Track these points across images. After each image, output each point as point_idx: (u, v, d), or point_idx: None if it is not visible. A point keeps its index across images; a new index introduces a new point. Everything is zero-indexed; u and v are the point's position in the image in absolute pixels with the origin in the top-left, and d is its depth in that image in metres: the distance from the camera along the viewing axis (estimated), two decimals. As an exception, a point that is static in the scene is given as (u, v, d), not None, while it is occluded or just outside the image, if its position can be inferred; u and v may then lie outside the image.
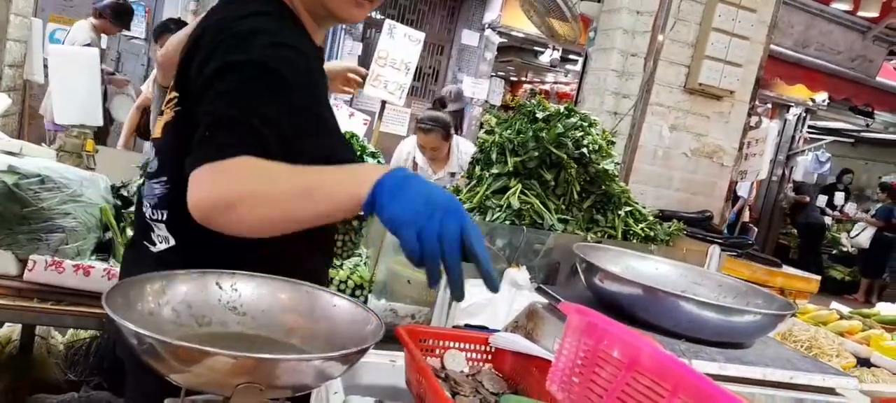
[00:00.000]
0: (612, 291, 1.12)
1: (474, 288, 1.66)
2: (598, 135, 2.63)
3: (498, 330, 1.27)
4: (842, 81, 7.46)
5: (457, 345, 1.14)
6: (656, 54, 3.63)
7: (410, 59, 3.58)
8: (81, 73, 2.15)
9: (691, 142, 3.85)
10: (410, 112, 4.17)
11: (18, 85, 3.61)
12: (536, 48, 9.78)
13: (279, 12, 1.14)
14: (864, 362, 2.54)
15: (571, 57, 9.59)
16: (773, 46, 4.77)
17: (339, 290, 1.61)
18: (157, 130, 1.19)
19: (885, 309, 3.57)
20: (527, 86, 12.85)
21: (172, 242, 1.17)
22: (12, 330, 2.48)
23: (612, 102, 3.84)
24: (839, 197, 11.28)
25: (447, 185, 3.29)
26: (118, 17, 5.03)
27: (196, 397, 0.99)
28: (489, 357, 1.16)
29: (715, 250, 2.64)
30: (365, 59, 6.28)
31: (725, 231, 4.38)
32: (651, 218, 2.76)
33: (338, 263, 1.98)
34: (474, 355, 1.15)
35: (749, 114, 3.99)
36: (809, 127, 10.58)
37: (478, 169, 2.60)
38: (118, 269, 1.70)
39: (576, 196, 2.52)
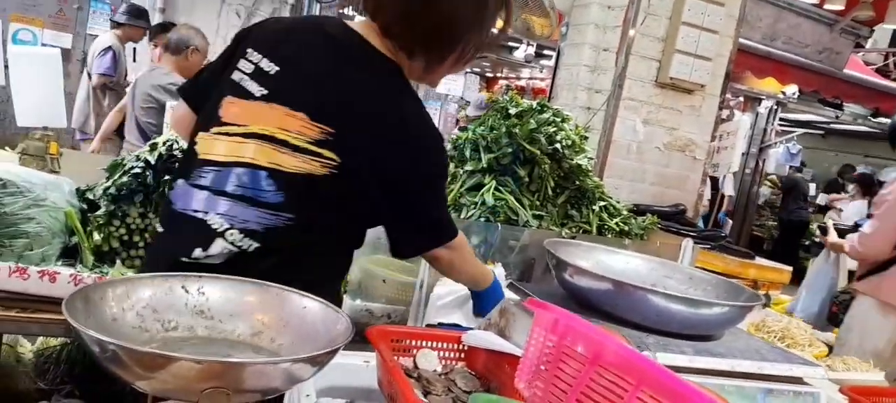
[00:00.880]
0: (582, 286, 1.12)
1: (450, 285, 1.66)
2: (571, 130, 2.64)
3: (471, 329, 1.27)
4: (811, 74, 7.58)
5: (429, 345, 1.14)
6: (628, 49, 3.65)
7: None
8: (43, 74, 2.10)
9: (664, 136, 3.89)
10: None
11: (-20, 88, 3.52)
12: (511, 44, 9.80)
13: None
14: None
15: (546, 52, 9.62)
16: (742, 40, 4.83)
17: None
18: (288, 164, 1.22)
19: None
20: (502, 82, 12.88)
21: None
22: (-22, 339, 2.42)
23: (585, 97, 3.86)
24: (812, 187, 11.44)
25: None
26: (138, 18, 5.02)
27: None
28: (462, 355, 1.16)
29: (688, 243, 2.67)
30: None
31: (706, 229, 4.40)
32: (625, 212, 2.78)
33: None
34: (447, 354, 1.15)
35: (720, 108, 4.03)
36: (780, 119, 10.74)
37: (452, 166, 2.60)
38: (85, 274, 1.67)
39: (550, 192, 2.53)
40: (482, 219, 2.33)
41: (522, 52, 9.92)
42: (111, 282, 0.97)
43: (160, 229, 1.37)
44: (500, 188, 2.44)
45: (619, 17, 3.74)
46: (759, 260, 4.09)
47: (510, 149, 2.47)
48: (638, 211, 3.24)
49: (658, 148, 3.88)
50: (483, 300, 1.51)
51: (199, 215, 1.21)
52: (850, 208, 8.86)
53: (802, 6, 6.50)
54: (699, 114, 3.94)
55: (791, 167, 11.53)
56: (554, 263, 1.18)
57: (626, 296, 1.05)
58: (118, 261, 1.86)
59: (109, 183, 1.91)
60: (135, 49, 5.52)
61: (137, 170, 1.89)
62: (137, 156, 1.95)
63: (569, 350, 0.71)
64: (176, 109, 1.51)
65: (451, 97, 8.34)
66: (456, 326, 1.40)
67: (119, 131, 4.03)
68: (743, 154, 7.97)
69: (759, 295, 1.18)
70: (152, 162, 1.91)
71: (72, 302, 0.87)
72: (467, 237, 2.29)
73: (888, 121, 11.10)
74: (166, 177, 1.89)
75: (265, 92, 1.24)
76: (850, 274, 3.78)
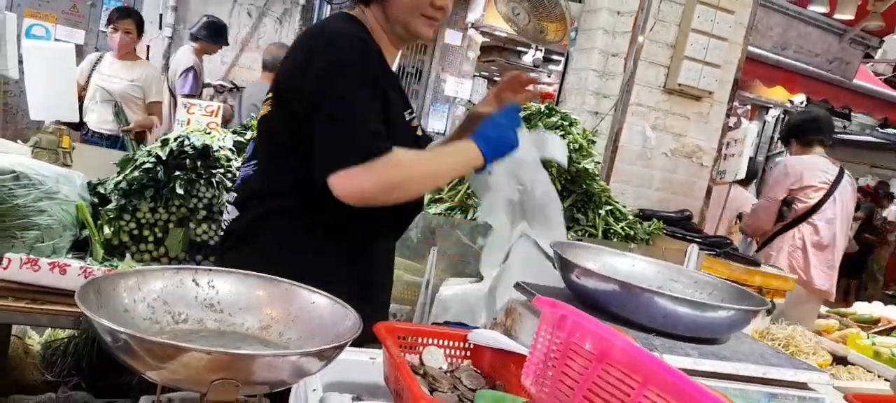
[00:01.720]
0: (589, 287, 1.13)
1: (456, 286, 1.67)
2: (578, 134, 2.65)
3: (477, 328, 1.27)
4: (820, 83, 7.56)
5: (435, 342, 1.15)
6: (636, 54, 3.66)
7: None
8: (56, 69, 2.12)
9: (671, 142, 3.88)
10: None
11: (-8, 81, 3.55)
12: (519, 48, 9.81)
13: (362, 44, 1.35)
14: (840, 360, 2.58)
15: (554, 57, 9.63)
16: (752, 48, 4.83)
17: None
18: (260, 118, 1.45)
19: (861, 308, 3.63)
20: (510, 86, 12.86)
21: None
22: (-13, 330, 2.44)
23: (593, 102, 3.87)
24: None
25: None
26: (214, 34, 5.14)
27: (172, 394, 0.98)
28: (468, 353, 1.16)
29: (693, 249, 2.68)
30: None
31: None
32: (631, 217, 2.79)
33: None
34: (453, 352, 1.16)
35: (728, 115, 4.03)
36: (788, 128, 10.71)
37: (459, 167, 2.61)
38: (95, 267, 1.69)
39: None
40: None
41: (530, 56, 9.92)
42: (123, 274, 0.98)
43: None
44: (507, 190, 2.45)
45: (628, 22, 3.75)
46: (765, 268, 4.07)
47: (518, 152, 2.48)
48: (644, 216, 3.25)
49: (665, 154, 3.88)
50: (487, 130, 1.39)
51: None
52: None
53: (812, 15, 6.49)
54: (707, 120, 3.94)
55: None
56: (561, 264, 1.18)
57: (633, 298, 1.06)
58: (127, 255, 1.88)
59: (120, 177, 1.93)
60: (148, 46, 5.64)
61: (148, 166, 1.91)
62: (149, 151, 1.97)
63: (576, 347, 0.71)
64: None
65: (459, 100, 8.35)
66: (462, 325, 1.41)
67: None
68: (751, 158, 7.93)
69: (764, 300, 1.19)
70: (163, 157, 1.93)
71: (85, 293, 0.88)
72: (473, 239, 2.30)
73: (896, 131, 11.01)
74: (177, 173, 1.91)
75: None
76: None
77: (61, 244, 1.73)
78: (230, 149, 2.09)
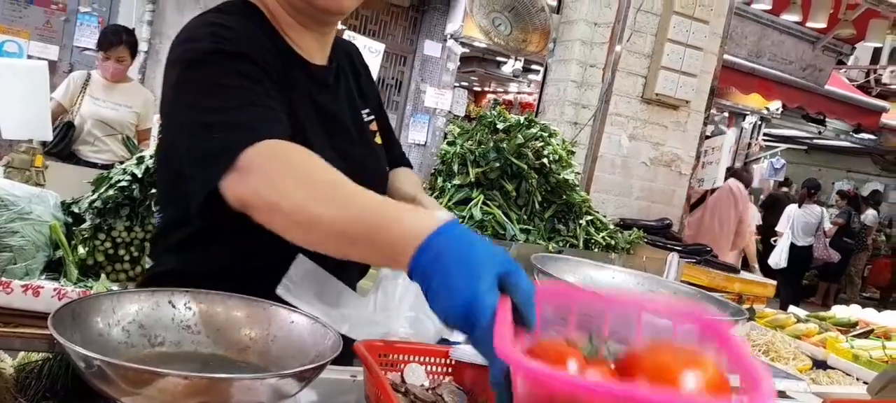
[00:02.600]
0: (570, 301, 1.13)
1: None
2: (558, 145, 2.67)
3: (458, 343, 1.27)
4: (794, 90, 7.71)
5: (417, 359, 1.14)
6: (614, 65, 3.70)
7: (371, 71, 3.58)
8: (29, 87, 2.08)
9: (650, 151, 3.93)
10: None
11: (-36, 99, 3.49)
12: (499, 58, 9.87)
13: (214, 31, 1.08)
14: (820, 364, 2.60)
15: (534, 67, 9.70)
16: (728, 56, 4.91)
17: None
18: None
19: (840, 311, 3.68)
20: (490, 97, 12.95)
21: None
22: (-42, 354, 2.39)
23: (571, 112, 3.90)
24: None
25: None
26: None
27: (149, 420, 0.96)
28: (450, 370, 1.16)
29: (674, 257, 2.69)
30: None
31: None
32: (612, 226, 2.80)
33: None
34: (435, 368, 1.15)
35: (705, 123, 4.09)
36: (765, 134, 10.89)
37: (440, 180, 2.61)
38: (69, 289, 1.66)
39: (537, 206, 2.55)
40: (470, 234, 2.34)
41: (510, 66, 10.00)
42: (97, 297, 0.96)
43: None
44: (488, 202, 2.46)
45: (605, 34, 3.79)
46: (744, 275, 4.12)
47: (498, 164, 2.49)
48: (624, 225, 3.27)
49: (644, 163, 3.92)
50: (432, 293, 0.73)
51: None
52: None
53: (786, 24, 6.61)
54: (685, 129, 3.99)
55: (775, 182, 11.66)
56: (541, 278, 1.19)
57: (612, 311, 1.06)
58: (103, 275, 1.85)
59: (95, 196, 1.90)
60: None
61: (124, 184, 1.88)
62: (124, 169, 1.94)
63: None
64: None
65: (440, 111, 8.37)
66: (444, 341, 1.40)
67: None
68: (727, 168, 8.06)
69: (743, 310, 1.20)
70: (139, 175, 1.90)
71: (58, 317, 0.86)
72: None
73: (870, 137, 11.24)
74: (153, 191, 1.89)
75: None
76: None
77: (34, 265, 1.70)
78: (208, 166, 2.06)
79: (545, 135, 2.62)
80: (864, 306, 3.72)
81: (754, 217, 5.94)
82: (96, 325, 0.94)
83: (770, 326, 3.07)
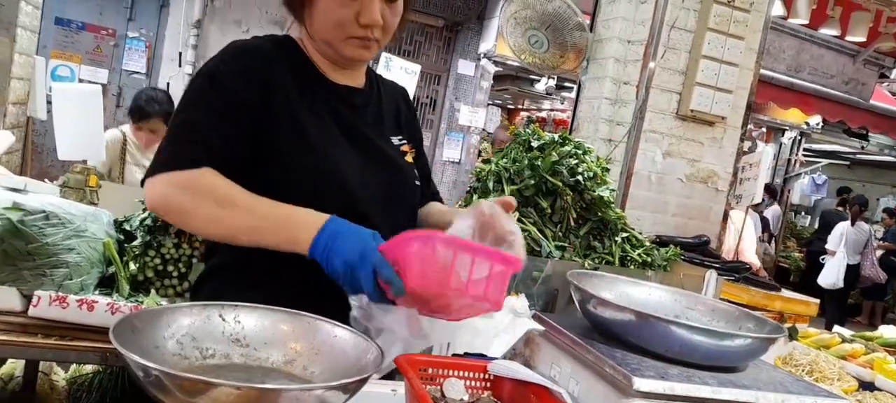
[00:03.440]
0: (606, 318, 1.14)
1: (476, 319, 1.68)
2: (592, 162, 2.67)
3: (497, 358, 1.29)
4: (835, 104, 7.55)
5: (456, 374, 1.16)
6: (648, 82, 3.69)
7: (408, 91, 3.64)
8: (84, 110, 2.18)
9: (686, 167, 3.89)
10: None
11: (22, 122, 3.66)
12: (532, 76, 9.90)
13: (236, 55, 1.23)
14: (867, 386, 2.54)
15: (567, 84, 9.70)
16: (766, 71, 4.85)
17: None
18: None
19: (888, 332, 3.57)
20: (523, 114, 12.96)
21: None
22: (15, 366, 2.48)
23: (606, 130, 3.90)
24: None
25: None
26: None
27: (199, 429, 1.00)
28: (488, 384, 1.18)
29: (712, 274, 2.67)
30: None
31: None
32: (648, 243, 2.79)
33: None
34: (473, 383, 1.17)
35: (742, 139, 4.04)
36: (805, 150, 10.66)
37: (475, 197, 2.64)
38: (121, 303, 1.73)
39: (572, 223, 2.56)
40: (505, 251, 2.36)
41: (543, 84, 10.01)
42: (154, 311, 1.01)
43: None
44: (523, 219, 2.48)
45: (638, 51, 3.79)
46: (786, 293, 4.04)
47: (533, 181, 2.51)
48: (661, 242, 3.25)
49: (680, 179, 3.89)
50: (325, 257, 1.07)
51: None
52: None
53: (824, 38, 6.50)
54: (721, 145, 3.95)
55: (817, 198, 11.37)
56: (577, 295, 1.20)
57: (649, 327, 1.07)
58: (152, 290, 1.92)
59: (145, 214, 1.98)
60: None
61: (172, 203, 1.95)
62: (172, 188, 2.01)
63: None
64: None
65: (474, 129, 8.42)
66: (481, 356, 1.42)
67: None
68: (766, 184, 7.91)
69: (782, 328, 1.19)
70: (186, 194, 1.97)
71: (118, 330, 0.91)
72: (490, 268, 2.31)
73: (916, 151, 10.83)
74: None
75: None
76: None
77: (89, 281, 1.77)
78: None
79: (579, 152, 2.63)
80: (912, 326, 3.60)
81: (753, 227, 5.68)
82: (153, 337, 0.99)
83: (814, 346, 3.00)
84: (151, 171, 1.15)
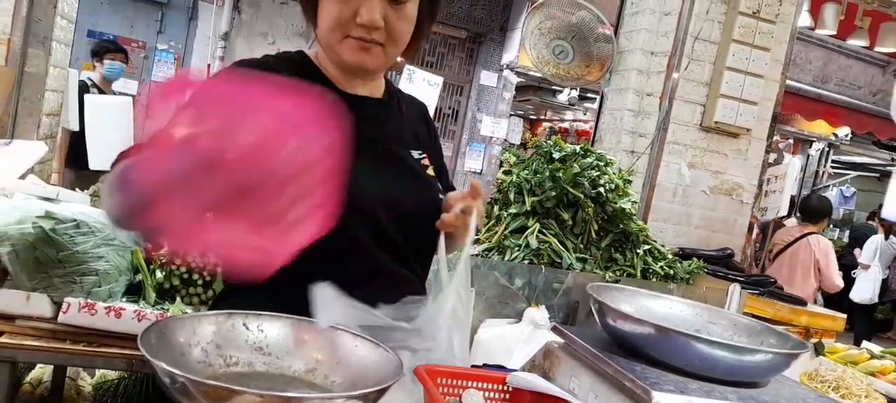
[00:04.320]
0: (626, 331, 1.14)
1: (495, 327, 1.68)
2: (614, 174, 2.67)
3: (515, 370, 1.29)
4: (864, 116, 7.42)
5: (475, 385, 1.17)
6: (671, 93, 3.67)
7: (429, 103, 3.67)
8: (115, 121, 2.24)
9: (710, 179, 3.86)
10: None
11: (55, 132, 3.75)
12: (554, 87, 9.88)
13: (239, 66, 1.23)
14: (896, 403, 2.48)
15: (590, 94, 9.67)
16: (792, 82, 4.80)
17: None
18: None
19: (918, 348, 3.49)
20: (546, 125, 12.93)
21: None
22: (43, 371, 2.55)
23: (628, 141, 3.88)
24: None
25: None
26: None
27: (222, 435, 1.02)
28: (507, 396, 1.18)
29: (735, 288, 2.64)
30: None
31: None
32: (670, 256, 2.77)
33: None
34: (492, 395, 1.18)
35: (767, 151, 3.99)
36: (833, 162, 10.48)
37: (496, 208, 2.64)
38: (148, 311, 1.76)
39: (594, 235, 2.55)
40: (526, 262, 2.36)
41: (566, 95, 9.99)
42: (180, 319, 1.04)
43: None
44: (544, 231, 2.48)
45: (662, 62, 3.78)
46: (812, 307, 3.97)
47: (554, 193, 2.51)
48: (684, 255, 3.22)
49: (704, 191, 3.85)
50: None
51: None
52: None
53: (853, 48, 6.41)
54: (746, 157, 3.91)
55: (846, 210, 11.16)
56: (597, 307, 1.20)
57: (668, 341, 1.07)
58: (178, 298, 1.96)
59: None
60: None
61: (198, 212, 1.99)
62: (198, 198, 2.05)
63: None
64: None
65: (495, 139, 8.43)
66: (500, 367, 1.43)
67: None
68: (792, 196, 7.78)
69: (805, 343, 1.18)
70: (212, 204, 2.01)
71: (146, 337, 0.93)
72: (511, 279, 2.32)
73: (948, 163, 10.57)
74: (224, 219, 1.99)
75: None
76: None
77: (117, 288, 1.82)
78: (275, 195, 2.16)
79: (601, 164, 2.63)
80: (943, 343, 3.51)
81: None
82: (179, 345, 1.01)
83: (841, 362, 2.94)
84: None
